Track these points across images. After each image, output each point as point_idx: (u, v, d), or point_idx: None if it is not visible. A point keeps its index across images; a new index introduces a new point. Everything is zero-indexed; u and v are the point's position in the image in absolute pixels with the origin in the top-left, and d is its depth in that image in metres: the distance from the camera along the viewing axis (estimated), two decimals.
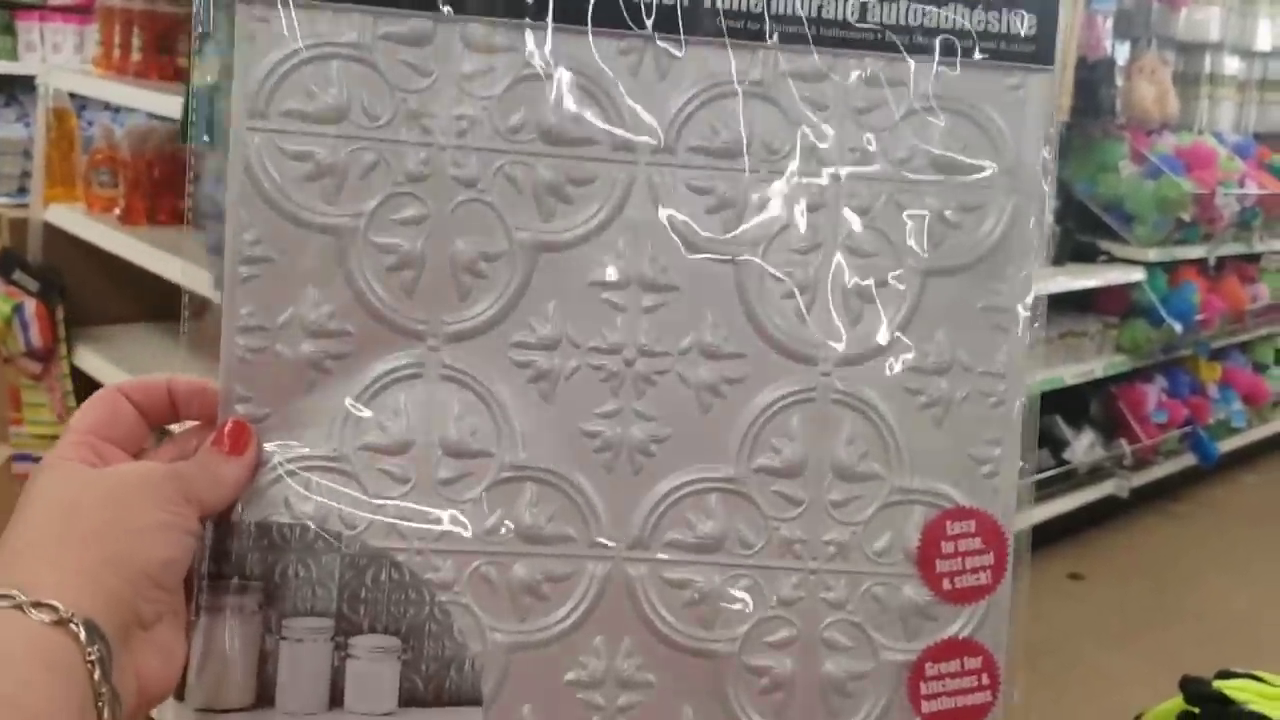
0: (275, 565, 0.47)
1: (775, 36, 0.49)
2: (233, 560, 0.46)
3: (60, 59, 3.21)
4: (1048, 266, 2.97)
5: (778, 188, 0.50)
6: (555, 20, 0.48)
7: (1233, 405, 3.60)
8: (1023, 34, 0.50)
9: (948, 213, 0.50)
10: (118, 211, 1.95)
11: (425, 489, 0.48)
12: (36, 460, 2.00)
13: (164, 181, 1.97)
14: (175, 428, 0.49)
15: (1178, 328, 3.15)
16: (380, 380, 0.48)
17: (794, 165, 0.50)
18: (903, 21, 0.50)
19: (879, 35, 0.49)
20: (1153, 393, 3.27)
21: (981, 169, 0.50)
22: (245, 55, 0.47)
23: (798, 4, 0.49)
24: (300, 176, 0.47)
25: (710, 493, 0.49)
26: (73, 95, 2.11)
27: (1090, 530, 3.07)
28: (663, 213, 0.49)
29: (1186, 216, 3.10)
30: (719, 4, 0.49)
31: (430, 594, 0.47)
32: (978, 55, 0.50)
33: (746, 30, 0.49)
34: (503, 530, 0.48)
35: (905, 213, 0.50)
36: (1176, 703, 0.73)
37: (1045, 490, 2.90)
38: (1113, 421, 3.21)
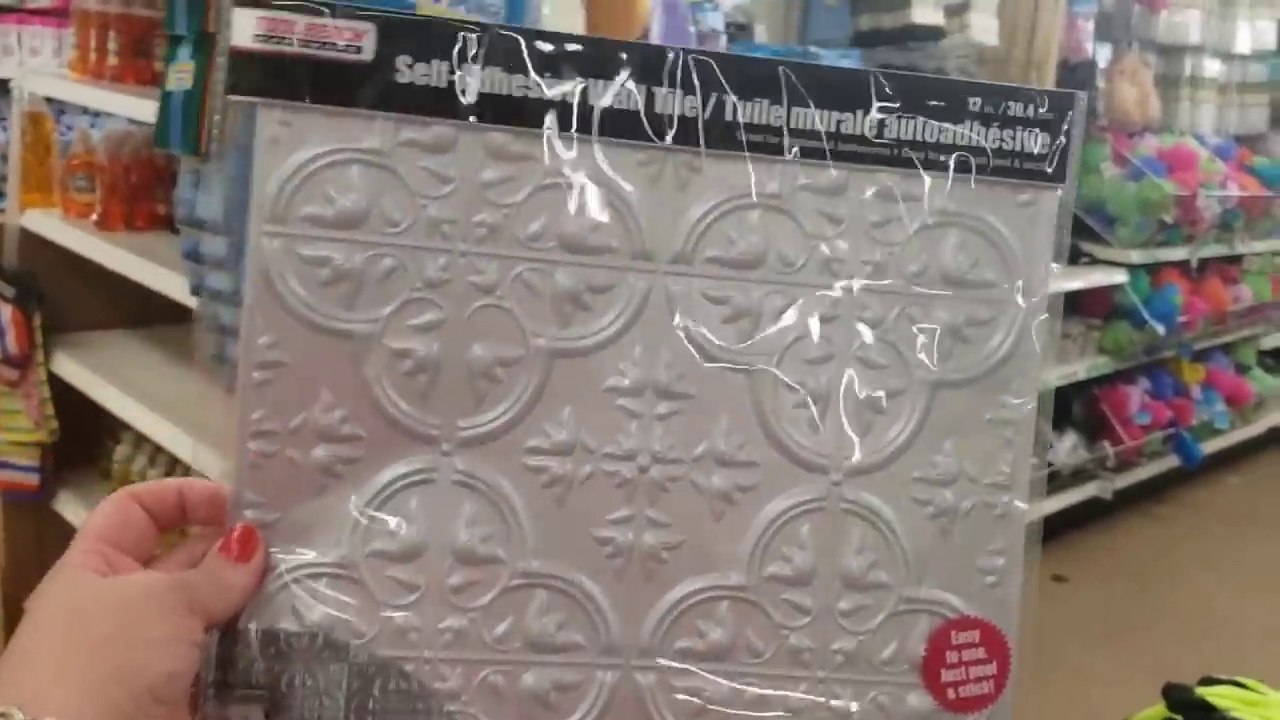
0: (282, 674, 0.46)
1: (794, 151, 0.49)
2: (239, 669, 0.46)
3: (38, 62, 3.15)
4: None
5: (793, 299, 0.50)
6: (577, 131, 0.48)
7: (1216, 406, 3.60)
8: (1036, 152, 0.51)
9: (958, 327, 0.51)
10: (95, 217, 1.92)
11: (435, 596, 0.48)
12: (14, 468, 1.97)
13: (141, 186, 1.93)
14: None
15: (1160, 329, 3.15)
16: (391, 486, 0.48)
17: (809, 277, 0.50)
18: (919, 138, 0.50)
19: (895, 151, 0.50)
20: (1135, 394, 3.26)
21: (992, 284, 0.51)
22: (266, 159, 0.46)
23: (816, 119, 0.49)
24: (317, 282, 0.47)
25: (721, 600, 0.50)
26: (49, 99, 2.08)
27: (1074, 532, 3.07)
28: (679, 321, 0.49)
29: (1169, 218, 3.09)
30: (739, 118, 0.49)
31: (438, 704, 0.47)
32: (991, 172, 0.51)
33: (766, 144, 0.49)
34: (512, 638, 0.48)
35: (916, 326, 0.51)
36: (1159, 710, 0.74)
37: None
38: (1096, 423, 3.21)
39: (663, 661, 0.49)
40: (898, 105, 0.50)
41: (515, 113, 0.47)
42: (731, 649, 0.49)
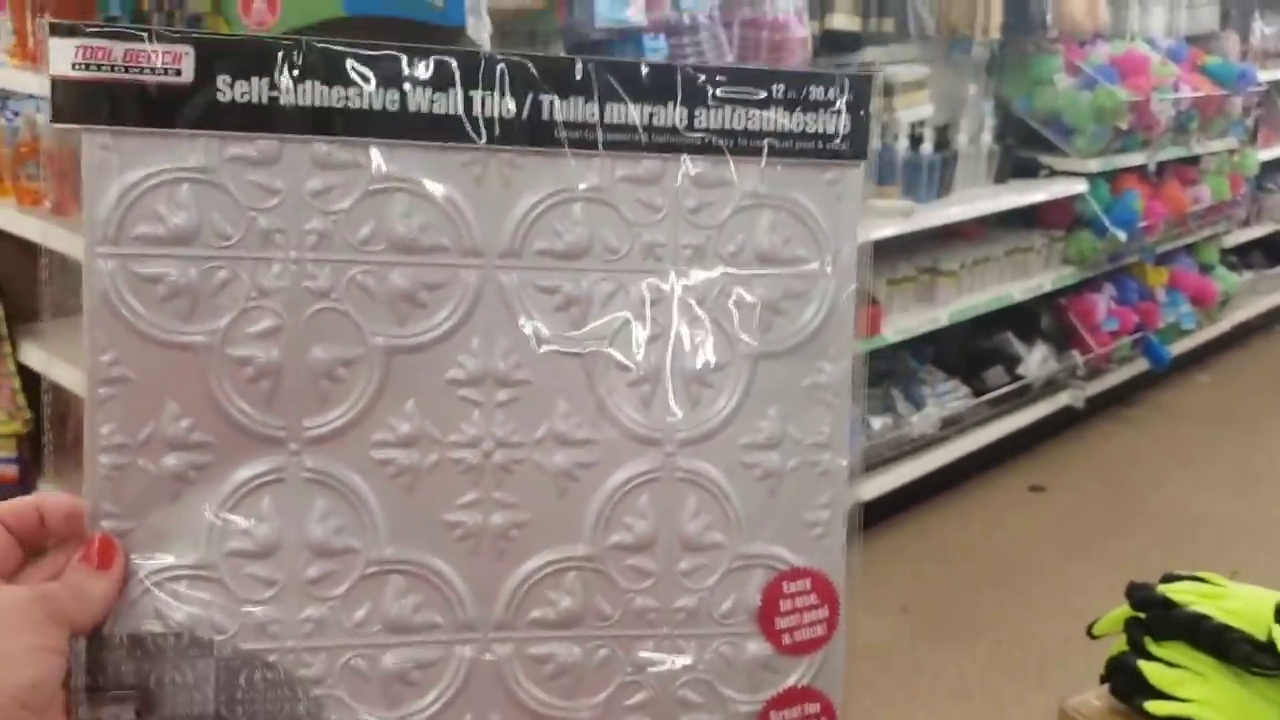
0: (150, 674, 0.49)
1: (609, 145, 0.52)
2: (108, 672, 0.48)
3: None
4: (989, 184, 3.01)
5: (620, 284, 0.53)
6: (400, 136, 0.50)
7: (1181, 308, 3.66)
8: (838, 133, 0.54)
9: (775, 301, 0.55)
10: (48, 204, 1.88)
11: (294, 589, 0.50)
12: None
13: None
14: None
15: (1122, 236, 3.22)
16: (243, 488, 0.50)
17: (633, 263, 0.53)
18: (727, 126, 0.53)
19: (705, 139, 0.53)
20: (1102, 302, 3.32)
21: (803, 260, 0.55)
22: (93, 183, 0.48)
23: (631, 113, 0.52)
24: (154, 298, 0.49)
25: (569, 571, 0.53)
26: None
27: (1049, 442, 3.15)
28: (513, 312, 0.52)
29: (1124, 125, 3.14)
30: (556, 116, 0.51)
31: (304, 690, 0.50)
32: (797, 154, 0.54)
33: (583, 140, 0.52)
34: (371, 622, 0.51)
35: (735, 303, 0.54)
36: (1124, 610, 0.78)
37: (1002, 406, 3.02)
38: (1064, 334, 3.28)
39: (517, 633, 0.52)
40: (705, 96, 0.53)
41: (337, 123, 0.50)
42: (582, 615, 0.53)
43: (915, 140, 2.83)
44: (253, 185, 0.49)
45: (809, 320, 0.55)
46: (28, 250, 1.90)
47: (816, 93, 0.54)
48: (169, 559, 0.49)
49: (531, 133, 0.51)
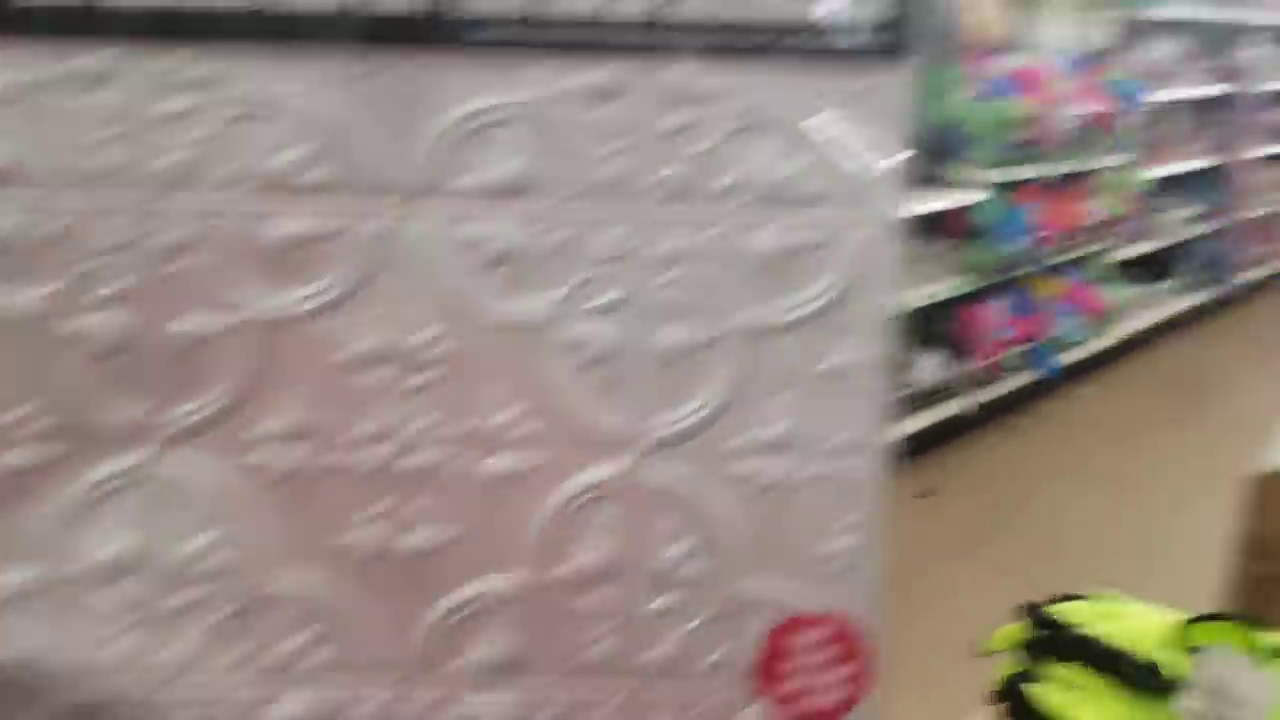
0: None
1: (550, 43, 0.39)
2: None
3: None
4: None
5: (569, 233, 0.40)
6: (274, 41, 0.38)
7: (1072, 320, 3.84)
8: (871, 26, 0.39)
9: (783, 256, 0.40)
10: None
11: (153, 620, 0.40)
12: None
13: None
14: None
15: (1017, 246, 3.38)
16: (93, 492, 0.40)
17: (587, 206, 0.40)
18: (719, 16, 0.39)
19: (688, 36, 0.39)
20: (996, 311, 3.49)
21: (822, 199, 0.40)
22: None
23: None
24: None
25: (506, 605, 0.41)
26: None
27: (939, 448, 3.27)
28: (425, 270, 0.40)
29: (1023, 137, 3.29)
30: (470, 4, 0.38)
31: None
32: (814, 56, 0.39)
33: (513, 38, 0.39)
34: (253, 664, 0.40)
35: (729, 257, 0.40)
36: (1015, 628, 0.72)
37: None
38: (958, 341, 3.42)
39: (438, 686, 0.41)
40: None
41: (184, 28, 0.38)
42: (523, 662, 0.41)
43: None
44: (84, 110, 0.38)
45: (830, 282, 0.40)
46: None
47: None
48: (2, 578, 0.40)
49: (436, 29, 0.38)
